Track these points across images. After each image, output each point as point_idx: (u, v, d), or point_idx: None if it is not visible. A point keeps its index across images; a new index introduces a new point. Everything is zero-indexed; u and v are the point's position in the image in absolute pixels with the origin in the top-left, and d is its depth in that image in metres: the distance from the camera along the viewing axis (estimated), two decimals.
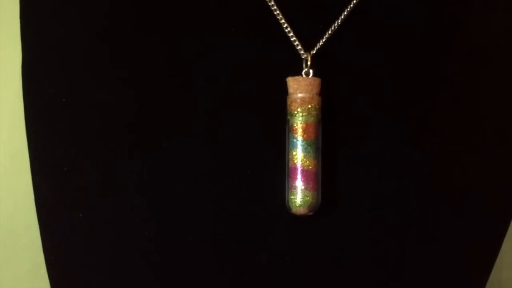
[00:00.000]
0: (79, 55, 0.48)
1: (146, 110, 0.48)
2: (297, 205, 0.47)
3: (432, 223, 0.49)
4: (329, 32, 0.48)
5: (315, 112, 0.47)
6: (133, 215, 0.48)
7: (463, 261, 0.50)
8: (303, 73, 0.48)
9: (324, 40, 0.48)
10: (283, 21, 0.48)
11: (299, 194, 0.47)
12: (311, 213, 0.47)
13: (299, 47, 0.48)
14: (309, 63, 0.48)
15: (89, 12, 0.49)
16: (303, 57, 0.48)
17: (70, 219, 0.48)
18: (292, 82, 0.47)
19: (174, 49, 0.48)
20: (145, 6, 0.49)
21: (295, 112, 0.47)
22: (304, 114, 0.47)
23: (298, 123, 0.47)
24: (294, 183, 0.47)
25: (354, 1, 0.48)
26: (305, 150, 0.47)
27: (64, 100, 0.48)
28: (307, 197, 0.47)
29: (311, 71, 0.48)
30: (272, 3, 0.48)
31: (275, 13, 0.48)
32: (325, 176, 0.47)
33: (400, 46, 0.49)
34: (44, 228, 0.48)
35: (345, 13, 0.48)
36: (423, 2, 0.50)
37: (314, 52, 0.48)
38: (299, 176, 0.47)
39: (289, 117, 0.47)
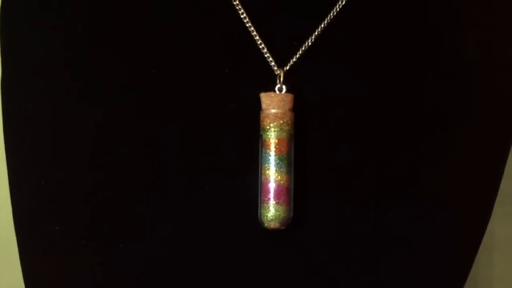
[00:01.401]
0: (56, 70, 0.49)
1: (119, 126, 0.49)
2: (269, 219, 0.47)
3: (404, 237, 0.49)
4: (303, 48, 0.49)
5: (288, 128, 0.48)
6: (109, 227, 0.49)
7: (436, 274, 0.50)
8: (276, 89, 0.48)
9: (297, 56, 0.49)
10: (257, 37, 0.49)
11: (272, 208, 0.47)
12: (283, 228, 0.48)
13: (273, 63, 0.49)
14: (282, 79, 0.48)
15: (66, 29, 0.49)
16: (276, 73, 0.49)
17: (47, 232, 0.49)
18: (265, 98, 0.48)
19: (149, 65, 0.49)
20: (119, 23, 0.49)
21: (268, 128, 0.47)
22: (276, 129, 0.47)
23: (271, 139, 0.47)
24: (267, 197, 0.47)
25: (328, 18, 0.49)
26: (277, 165, 0.47)
27: (41, 114, 0.49)
28: (279, 211, 0.47)
29: (284, 87, 0.48)
30: (247, 19, 0.49)
31: (250, 29, 0.49)
32: (297, 190, 0.48)
33: (374, 62, 0.50)
34: (21, 240, 0.49)
35: (319, 29, 0.49)
36: (397, 20, 0.50)
37: (287, 68, 0.49)
38: (271, 190, 0.47)
39: (261, 132, 0.48)
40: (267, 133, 0.48)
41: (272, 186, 0.47)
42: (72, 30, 0.49)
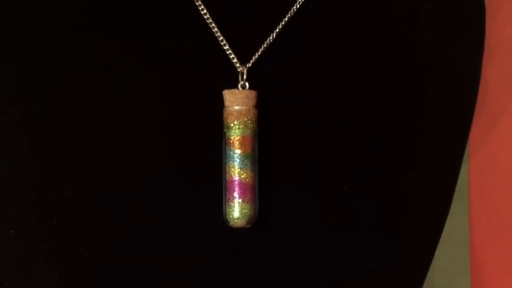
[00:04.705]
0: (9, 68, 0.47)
1: (81, 125, 0.48)
2: (235, 217, 0.47)
3: (367, 234, 0.50)
4: (265, 45, 0.48)
5: (252, 125, 0.47)
6: (68, 234, 0.47)
7: (398, 270, 0.51)
8: (239, 86, 0.48)
9: (259, 53, 0.48)
10: (218, 34, 0.48)
11: (237, 207, 0.47)
12: (249, 226, 0.47)
13: (235, 60, 0.48)
14: (245, 76, 0.48)
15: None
16: (239, 70, 0.48)
17: (2, 237, 0.47)
18: (228, 95, 0.47)
19: (108, 62, 0.48)
20: (79, 20, 0.48)
21: (232, 125, 0.47)
22: (240, 127, 0.47)
23: (235, 136, 0.47)
24: (232, 196, 0.47)
25: (289, 15, 0.49)
26: (241, 162, 0.47)
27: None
28: (245, 209, 0.47)
29: (247, 84, 0.48)
30: (208, 16, 0.48)
31: (211, 25, 0.48)
32: (261, 188, 0.48)
33: (337, 57, 0.50)
34: None
35: (281, 25, 0.49)
36: (358, 15, 0.50)
37: (250, 65, 0.48)
38: (236, 189, 0.47)
39: (225, 130, 0.47)
40: (231, 131, 0.47)
41: (237, 184, 0.47)
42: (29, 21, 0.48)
